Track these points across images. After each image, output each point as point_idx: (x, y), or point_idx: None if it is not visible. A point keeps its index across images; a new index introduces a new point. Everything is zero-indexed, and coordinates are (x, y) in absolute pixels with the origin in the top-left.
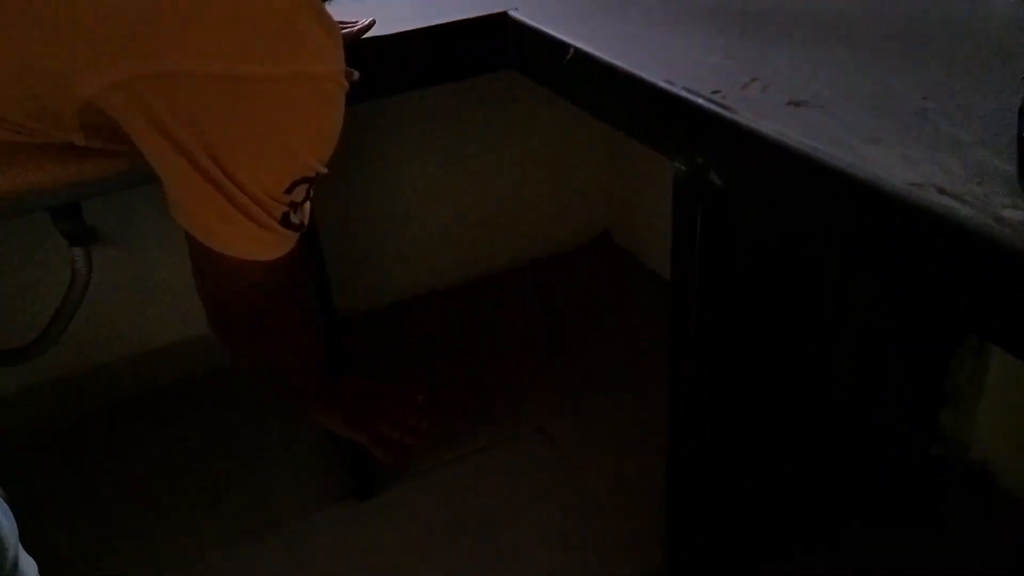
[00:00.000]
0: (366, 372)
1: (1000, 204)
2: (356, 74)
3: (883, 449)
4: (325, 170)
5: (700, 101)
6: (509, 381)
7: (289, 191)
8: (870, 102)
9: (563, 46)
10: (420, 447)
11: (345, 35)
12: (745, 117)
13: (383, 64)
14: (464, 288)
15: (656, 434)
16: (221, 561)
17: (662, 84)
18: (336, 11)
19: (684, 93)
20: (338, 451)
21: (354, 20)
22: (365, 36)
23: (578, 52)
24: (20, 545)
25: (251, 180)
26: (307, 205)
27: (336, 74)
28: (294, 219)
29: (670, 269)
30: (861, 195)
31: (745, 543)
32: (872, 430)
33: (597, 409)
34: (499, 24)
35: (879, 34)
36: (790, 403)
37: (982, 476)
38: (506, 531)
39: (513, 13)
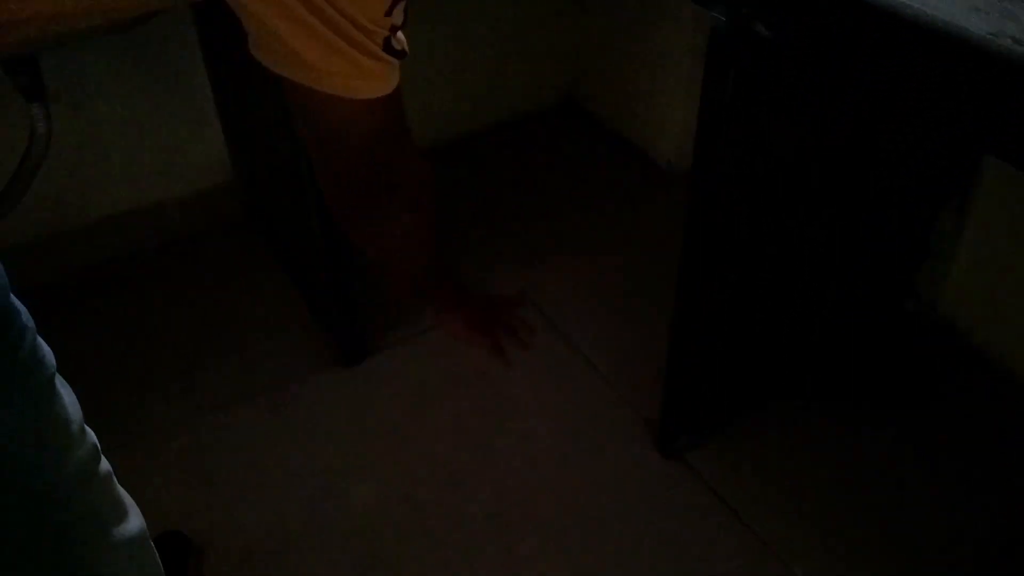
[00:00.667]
0: None
1: None
2: None
3: (862, 304)
4: None
5: None
6: (485, 248)
7: (389, 12)
8: None
9: None
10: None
11: None
12: None
13: None
14: (430, 152)
15: (634, 294)
16: (211, 426)
17: None
18: None
19: None
20: (321, 318)
21: None
22: None
23: None
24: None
25: (353, 3)
26: (401, 33)
27: None
28: (395, 44)
29: (695, 143)
30: (931, 44)
31: (733, 393)
32: (855, 286)
33: (574, 272)
34: None
35: None
36: (786, 261)
37: (948, 330)
38: (499, 385)
39: None
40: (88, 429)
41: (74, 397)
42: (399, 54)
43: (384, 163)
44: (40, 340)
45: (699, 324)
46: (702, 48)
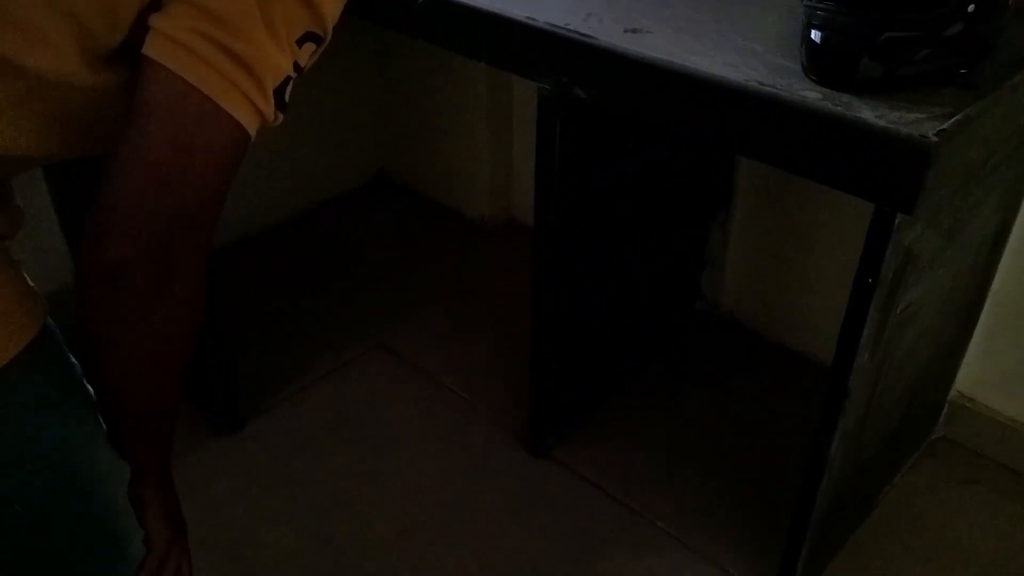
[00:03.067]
0: None
1: (800, 88)
2: None
3: (665, 309)
4: (329, 36)
5: (563, 31)
6: (340, 310)
7: (300, 42)
8: (683, 28)
9: None
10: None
11: None
12: (604, 41)
13: None
14: (261, 235)
15: (480, 328)
16: None
17: (526, 19)
18: None
19: (547, 26)
20: (194, 393)
21: None
22: None
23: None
24: None
25: (267, 24)
26: (288, 92)
27: None
28: (285, 95)
29: (535, 184)
30: (706, 89)
31: (585, 393)
32: (659, 295)
33: (424, 319)
34: None
35: None
36: (611, 278)
37: (732, 323)
38: (379, 426)
39: None
40: None
41: None
42: (280, 108)
43: (189, 217)
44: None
45: (552, 338)
46: (499, 115)
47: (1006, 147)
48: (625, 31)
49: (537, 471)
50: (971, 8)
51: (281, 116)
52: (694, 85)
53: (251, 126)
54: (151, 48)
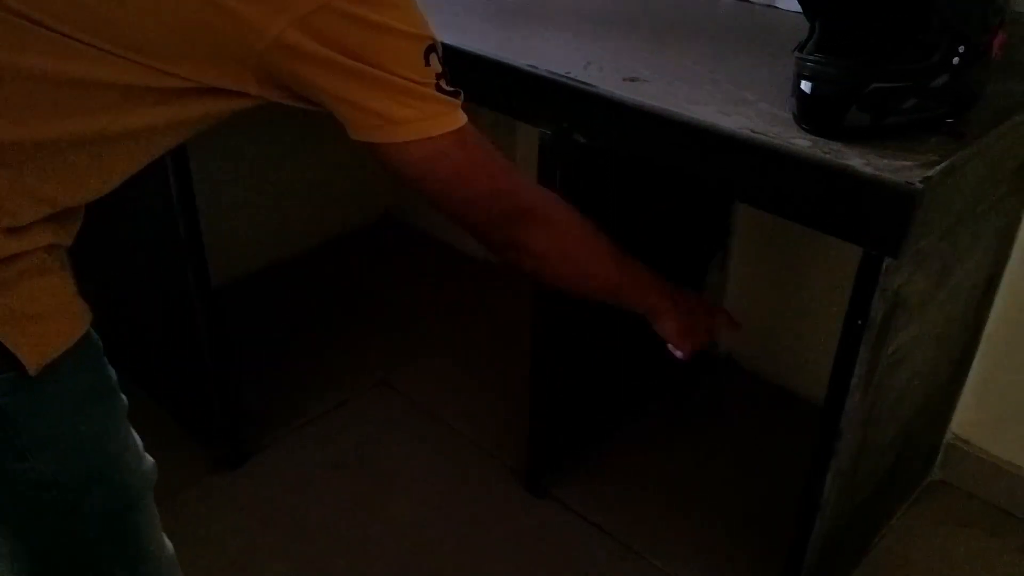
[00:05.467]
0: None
1: (791, 136)
2: None
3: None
4: (434, 33)
5: (564, 79)
6: (346, 349)
7: (427, 62)
8: (680, 77)
9: None
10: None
11: None
12: (604, 89)
13: None
14: (267, 272)
15: (482, 369)
16: None
17: (528, 67)
18: None
19: (548, 74)
20: (196, 430)
21: None
22: None
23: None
24: None
25: (401, 66)
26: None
27: None
28: (446, 87)
29: None
30: (701, 136)
31: (582, 432)
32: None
33: (428, 359)
34: None
35: (658, 27)
36: (614, 318)
37: (730, 364)
38: (380, 464)
39: None
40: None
41: None
42: (454, 93)
43: (507, 191)
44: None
45: (551, 377)
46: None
47: (993, 194)
48: (624, 79)
49: (536, 509)
50: (956, 60)
51: (461, 95)
52: (689, 132)
53: (460, 121)
54: (364, 136)
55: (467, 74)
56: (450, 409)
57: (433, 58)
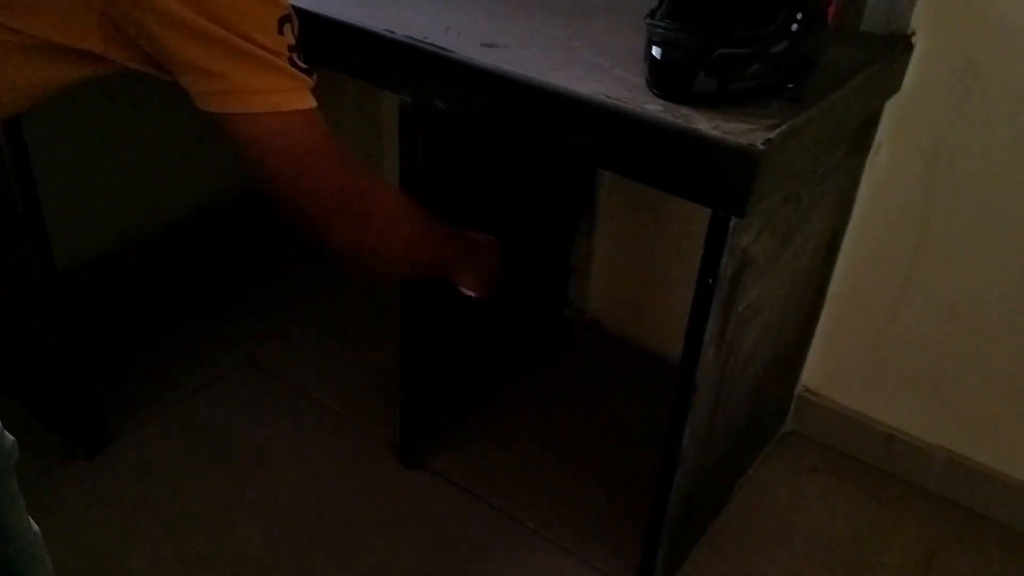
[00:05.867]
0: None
1: (643, 101)
2: None
3: (534, 315)
4: (290, 5)
5: (422, 44)
6: (205, 327)
7: (281, 31)
8: (537, 44)
9: None
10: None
11: None
12: (461, 55)
13: None
14: (123, 252)
15: (351, 344)
16: None
17: (385, 32)
18: None
19: (406, 39)
20: (48, 418)
21: None
22: None
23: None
24: None
25: (255, 29)
26: (299, 59)
27: None
28: (300, 63)
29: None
30: (557, 101)
31: (454, 401)
32: (527, 302)
33: (296, 335)
34: None
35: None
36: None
37: (598, 329)
38: (250, 445)
39: None
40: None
41: None
42: (307, 71)
43: (350, 187)
44: None
45: (420, 348)
46: (368, 131)
47: (833, 157)
48: (482, 45)
49: (410, 480)
50: (795, 27)
51: (314, 76)
52: (545, 97)
53: (312, 102)
54: (210, 106)
55: (328, 40)
56: (319, 386)
57: (288, 29)
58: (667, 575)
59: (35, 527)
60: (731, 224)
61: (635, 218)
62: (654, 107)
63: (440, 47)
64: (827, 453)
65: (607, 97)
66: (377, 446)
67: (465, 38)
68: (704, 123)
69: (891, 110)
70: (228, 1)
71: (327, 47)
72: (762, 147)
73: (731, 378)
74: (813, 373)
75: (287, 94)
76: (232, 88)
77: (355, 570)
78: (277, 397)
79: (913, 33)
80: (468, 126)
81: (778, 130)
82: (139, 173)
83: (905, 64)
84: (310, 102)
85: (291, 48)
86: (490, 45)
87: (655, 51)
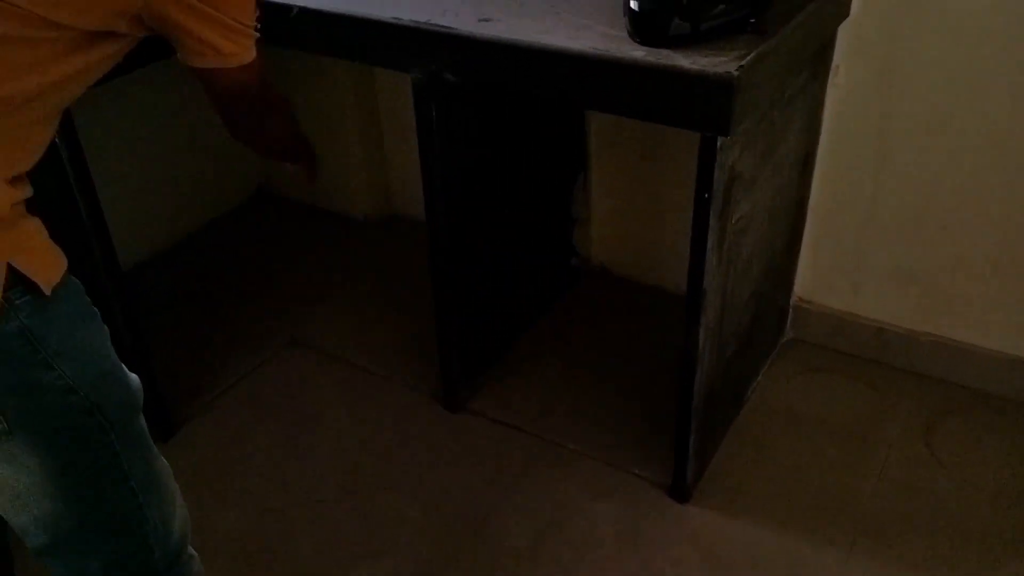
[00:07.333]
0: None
1: (629, 49)
2: None
3: (547, 265)
4: None
5: (427, 27)
6: (249, 317)
7: (256, 11)
8: (526, 14)
9: (287, 7)
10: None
11: None
12: (464, 30)
13: None
14: (153, 260)
15: (384, 312)
16: None
17: (393, 19)
18: None
19: (412, 23)
20: None
21: None
22: None
23: (303, 9)
24: None
25: (239, 14)
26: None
27: None
28: (257, 25)
29: (421, 164)
30: (553, 59)
31: (488, 347)
32: (539, 254)
33: (332, 313)
34: None
35: None
36: (499, 243)
37: (603, 273)
38: (302, 410)
39: None
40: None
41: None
42: (258, 30)
43: (266, 98)
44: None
45: (452, 302)
46: (367, 117)
47: (798, 80)
48: (479, 20)
49: (456, 423)
50: None
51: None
52: (543, 57)
53: (250, 58)
54: (198, 63)
55: (338, 32)
56: (360, 354)
57: (258, 7)
58: (698, 470)
59: (163, 460)
60: (719, 143)
61: (625, 166)
62: (639, 53)
63: (444, 26)
64: (825, 354)
65: (596, 49)
66: (422, 398)
67: (462, 17)
68: (684, 61)
69: (844, 34)
70: None
71: (338, 39)
72: (736, 73)
73: (733, 285)
74: (805, 283)
75: (249, 51)
76: (215, 51)
77: (421, 500)
78: (324, 369)
79: None
80: (473, 96)
81: (747, 58)
82: (157, 185)
83: None
84: (252, 53)
85: (257, 19)
86: (486, 20)
87: (633, 4)
